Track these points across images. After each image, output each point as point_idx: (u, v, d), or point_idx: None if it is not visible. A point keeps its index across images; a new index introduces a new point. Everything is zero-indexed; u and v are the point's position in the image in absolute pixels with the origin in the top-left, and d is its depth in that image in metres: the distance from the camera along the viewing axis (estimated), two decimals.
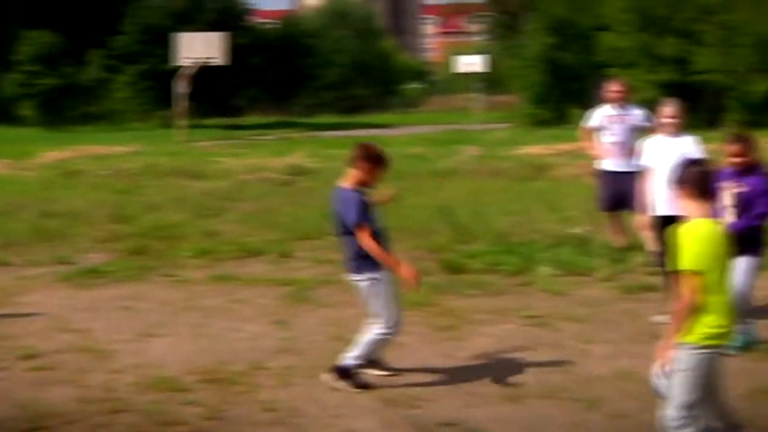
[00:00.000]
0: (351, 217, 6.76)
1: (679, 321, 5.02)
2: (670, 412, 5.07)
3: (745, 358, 7.47)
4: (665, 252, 8.07)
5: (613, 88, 11.69)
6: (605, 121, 11.65)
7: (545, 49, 41.17)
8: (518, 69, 44.11)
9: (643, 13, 37.14)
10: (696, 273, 4.93)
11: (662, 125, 8.95)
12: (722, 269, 5.07)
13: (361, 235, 6.72)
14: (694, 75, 35.00)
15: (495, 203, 15.82)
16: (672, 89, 33.57)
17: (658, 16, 36.98)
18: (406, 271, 6.75)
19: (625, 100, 11.66)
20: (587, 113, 12.39)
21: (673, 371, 5.05)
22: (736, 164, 7.54)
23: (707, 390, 5.10)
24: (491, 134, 34.38)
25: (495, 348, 8.01)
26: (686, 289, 4.95)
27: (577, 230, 12.86)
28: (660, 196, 8.52)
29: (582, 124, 12.27)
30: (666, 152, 8.49)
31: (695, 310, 4.99)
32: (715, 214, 5.16)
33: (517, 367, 7.46)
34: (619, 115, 11.55)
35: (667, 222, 8.00)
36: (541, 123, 38.60)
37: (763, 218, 7.58)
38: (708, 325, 4.99)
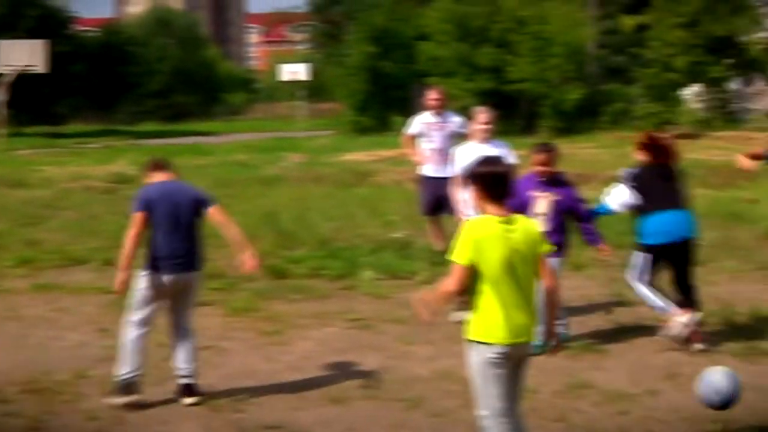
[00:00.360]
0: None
1: (436, 301, 5.07)
2: (480, 412, 5.03)
3: (561, 355, 7.70)
4: None
5: (432, 96, 11.85)
6: (425, 128, 11.80)
7: (367, 58, 41.48)
8: (341, 77, 44.29)
9: (461, 23, 37.90)
10: (461, 265, 4.85)
11: (475, 132, 9.16)
12: (512, 268, 4.92)
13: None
14: (509, 84, 35.93)
15: (319, 209, 15.82)
16: (489, 97, 34.49)
17: (475, 27, 37.81)
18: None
19: (443, 108, 11.85)
20: (408, 120, 12.54)
21: (472, 375, 5.02)
22: (541, 173, 7.78)
23: (497, 390, 4.98)
24: (315, 141, 34.45)
25: (319, 351, 8.01)
26: (450, 277, 4.91)
27: (399, 234, 12.99)
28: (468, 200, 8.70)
29: (403, 131, 12.40)
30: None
31: (451, 297, 5.03)
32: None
33: (341, 369, 7.49)
34: (438, 122, 11.72)
35: None
36: (363, 130, 38.87)
37: (590, 220, 7.89)
38: (489, 323, 4.90)
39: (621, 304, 9.37)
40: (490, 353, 4.91)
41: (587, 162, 21.93)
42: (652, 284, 8.21)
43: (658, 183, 8.14)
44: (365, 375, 7.31)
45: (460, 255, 4.88)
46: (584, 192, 17.34)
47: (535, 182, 7.76)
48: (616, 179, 8.53)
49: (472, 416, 5.62)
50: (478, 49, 36.99)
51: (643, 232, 8.13)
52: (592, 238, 8.13)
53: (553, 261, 7.09)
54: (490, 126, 9.09)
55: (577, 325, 8.58)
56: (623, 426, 6.21)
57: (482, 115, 9.15)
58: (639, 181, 8.17)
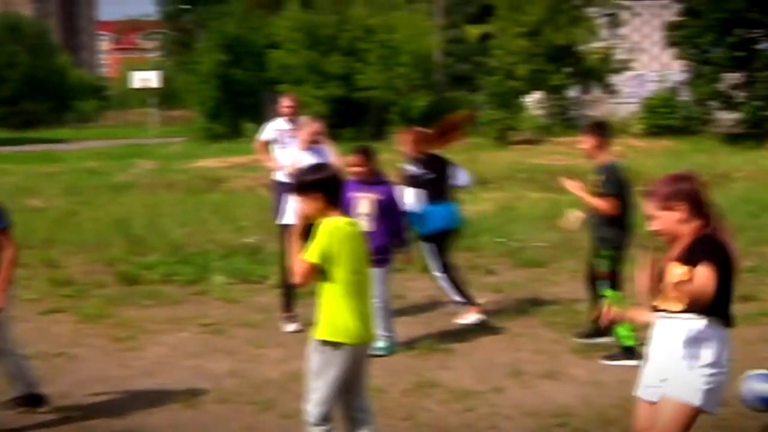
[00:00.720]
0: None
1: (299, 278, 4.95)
2: (310, 407, 4.96)
3: (409, 355, 7.74)
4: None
5: (285, 103, 11.78)
6: (278, 135, 11.72)
7: (218, 66, 41.00)
8: (192, 85, 43.64)
9: (310, 32, 37.85)
10: (311, 262, 4.82)
11: (305, 140, 9.18)
12: (357, 269, 4.94)
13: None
14: (359, 91, 36.08)
15: (170, 215, 15.54)
16: (338, 104, 34.61)
17: (324, 35, 37.83)
18: None
19: (296, 115, 11.79)
20: (261, 127, 12.43)
21: (311, 369, 4.97)
22: (357, 174, 7.82)
23: (345, 388, 4.99)
24: (167, 148, 33.87)
25: (171, 356, 7.84)
26: (298, 271, 4.89)
27: (250, 240, 12.87)
28: (290, 205, 8.67)
29: (256, 137, 12.28)
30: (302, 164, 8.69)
31: (302, 283, 4.97)
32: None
33: (194, 373, 7.35)
34: (291, 129, 11.66)
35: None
36: (215, 137, 38.41)
37: (400, 233, 7.91)
38: (343, 323, 4.89)
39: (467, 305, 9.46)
40: (338, 353, 4.89)
41: None
42: (451, 275, 8.71)
43: (431, 177, 8.74)
44: (217, 379, 7.19)
45: (312, 253, 4.83)
46: None
47: (354, 184, 7.77)
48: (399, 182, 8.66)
49: None
50: (327, 57, 37.02)
51: (422, 223, 8.56)
52: (398, 241, 8.01)
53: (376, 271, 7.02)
54: (316, 135, 9.12)
55: (424, 326, 8.68)
56: (469, 423, 6.26)
57: (308, 125, 9.23)
58: (415, 178, 8.69)
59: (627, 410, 6.26)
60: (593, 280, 7.98)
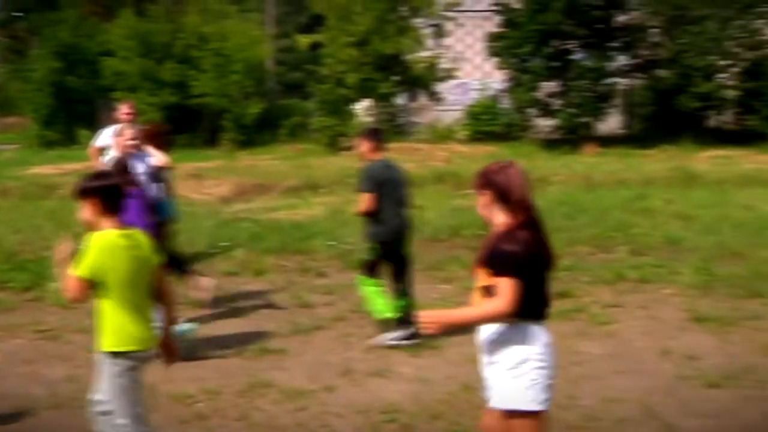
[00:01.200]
0: None
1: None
2: (119, 420, 4.85)
3: (242, 357, 7.68)
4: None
5: (123, 110, 11.55)
6: (113, 141, 11.44)
7: (52, 73, 39.55)
8: (26, 92, 41.96)
9: (144, 40, 37.01)
10: (82, 277, 4.71)
11: (119, 146, 9.01)
12: (133, 279, 4.86)
13: None
14: (193, 98, 35.51)
15: (4, 222, 14.91)
16: (173, 111, 33.97)
17: (158, 43, 37.05)
18: None
19: (134, 122, 11.54)
20: (96, 134, 12.11)
21: (104, 383, 4.89)
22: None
23: (133, 396, 4.93)
24: None
25: (7, 363, 7.53)
26: (70, 289, 4.77)
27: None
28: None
29: (91, 143, 11.94)
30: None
31: (74, 299, 4.85)
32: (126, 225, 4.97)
33: (29, 380, 7.07)
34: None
35: None
36: (49, 144, 37.03)
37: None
38: (127, 332, 4.83)
39: (299, 306, 9.49)
40: (127, 362, 4.82)
41: (267, 173, 22.10)
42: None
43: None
44: (53, 385, 6.94)
45: (82, 268, 4.71)
46: (266, 201, 17.70)
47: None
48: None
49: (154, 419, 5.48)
50: (161, 64, 36.29)
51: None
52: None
53: None
54: (134, 142, 8.94)
55: (256, 328, 8.64)
56: (302, 422, 6.26)
57: (127, 132, 9.06)
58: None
59: (452, 405, 6.45)
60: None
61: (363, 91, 32.86)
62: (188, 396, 6.67)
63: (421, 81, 33.97)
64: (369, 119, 33.34)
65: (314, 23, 39.36)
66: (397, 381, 7.07)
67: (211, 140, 33.83)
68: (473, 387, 6.70)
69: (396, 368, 7.35)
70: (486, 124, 31.98)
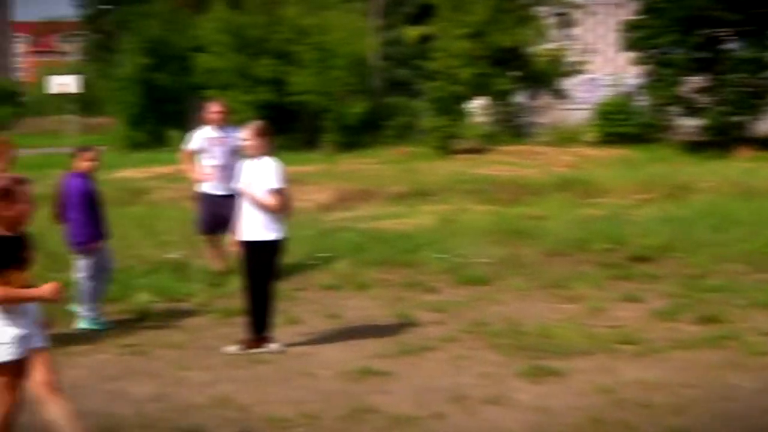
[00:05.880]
0: None
1: None
2: None
3: (343, 379, 7.70)
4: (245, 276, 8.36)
5: (213, 109, 11.72)
6: (206, 144, 11.65)
7: (140, 70, 40.59)
8: (113, 90, 43.14)
9: (238, 34, 37.65)
10: None
11: (244, 147, 9.09)
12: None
13: None
14: (290, 96, 35.93)
15: None
16: (269, 110, 34.39)
17: (253, 37, 37.63)
18: None
19: (225, 122, 11.73)
20: (187, 135, 12.34)
21: None
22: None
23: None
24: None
25: (90, 379, 7.71)
26: None
27: (175, 255, 12.74)
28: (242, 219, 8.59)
29: (183, 146, 12.17)
30: (249, 175, 8.61)
31: None
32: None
33: (115, 398, 7.23)
34: (219, 137, 11.61)
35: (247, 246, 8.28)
36: (137, 146, 37.97)
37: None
38: None
39: (405, 324, 9.48)
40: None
41: (371, 178, 22.19)
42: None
43: None
44: (139, 403, 7.09)
45: None
46: (369, 209, 17.77)
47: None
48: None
49: None
50: (256, 60, 36.83)
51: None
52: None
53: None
54: (255, 141, 8.89)
55: (359, 347, 8.63)
56: None
57: (247, 131, 9.06)
58: None
59: None
60: None
61: (477, 88, 32.73)
62: (285, 420, 6.72)
63: (544, 77, 33.64)
64: (484, 119, 33.17)
65: (424, 14, 39.35)
66: (514, 410, 6.99)
67: (310, 142, 34.16)
68: (604, 420, 6.61)
69: (513, 395, 7.26)
70: (618, 124, 31.30)
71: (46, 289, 5.40)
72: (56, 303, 5.59)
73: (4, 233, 5.39)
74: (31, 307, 5.52)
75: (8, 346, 5.37)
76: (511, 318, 9.61)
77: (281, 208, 8.39)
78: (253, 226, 8.40)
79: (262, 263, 8.39)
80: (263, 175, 8.38)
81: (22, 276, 5.43)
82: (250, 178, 8.48)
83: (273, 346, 8.48)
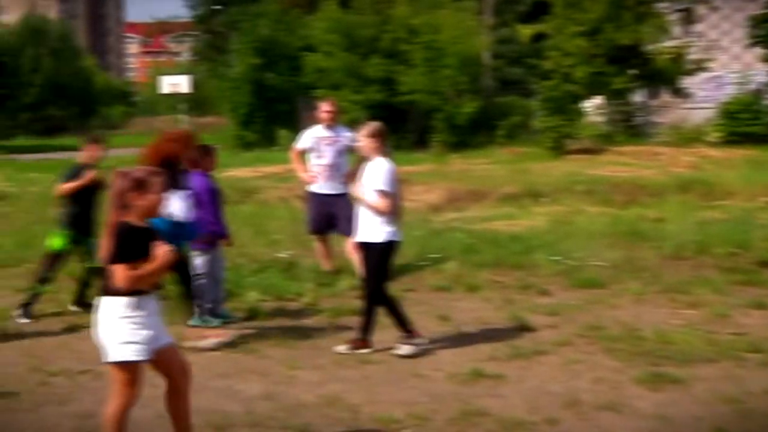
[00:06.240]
0: None
1: None
2: None
3: (455, 381, 7.65)
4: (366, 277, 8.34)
5: (324, 108, 11.79)
6: (316, 143, 11.73)
7: (251, 70, 41.21)
8: (224, 90, 43.91)
9: (349, 33, 37.94)
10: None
11: (357, 148, 9.08)
12: None
13: None
14: (400, 96, 36.05)
15: None
16: (379, 110, 34.54)
17: (363, 37, 37.88)
18: None
19: (336, 121, 11.79)
20: (298, 135, 12.45)
21: None
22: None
23: None
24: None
25: (200, 376, 7.78)
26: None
27: (284, 254, 12.86)
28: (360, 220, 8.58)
29: (293, 145, 12.27)
30: (364, 177, 8.59)
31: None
32: None
33: (224, 395, 7.32)
34: (329, 136, 11.67)
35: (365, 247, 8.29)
36: (247, 145, 38.58)
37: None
38: None
39: (518, 327, 9.38)
40: None
41: (482, 179, 22.11)
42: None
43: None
44: (249, 401, 7.16)
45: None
46: (480, 210, 17.69)
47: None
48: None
49: None
50: (367, 59, 37.07)
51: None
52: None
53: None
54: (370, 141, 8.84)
55: (471, 350, 8.57)
56: None
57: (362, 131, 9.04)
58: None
59: None
60: None
61: (593, 87, 32.34)
62: (394, 421, 6.71)
63: (665, 75, 33.00)
64: (600, 118, 32.73)
65: (537, 11, 39.07)
66: (632, 417, 6.84)
67: (420, 142, 34.21)
68: (728, 431, 6.42)
69: (630, 402, 7.11)
70: (744, 124, 30.46)
71: (161, 255, 5.49)
72: (171, 266, 5.77)
73: (137, 223, 5.52)
74: (157, 304, 5.63)
75: (140, 346, 5.49)
76: (628, 322, 9.43)
77: (386, 209, 8.33)
78: (366, 227, 8.40)
79: (373, 265, 8.37)
80: (373, 176, 8.37)
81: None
82: (363, 180, 8.48)
83: (405, 349, 8.40)
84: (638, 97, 34.17)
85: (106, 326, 5.50)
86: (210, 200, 9.37)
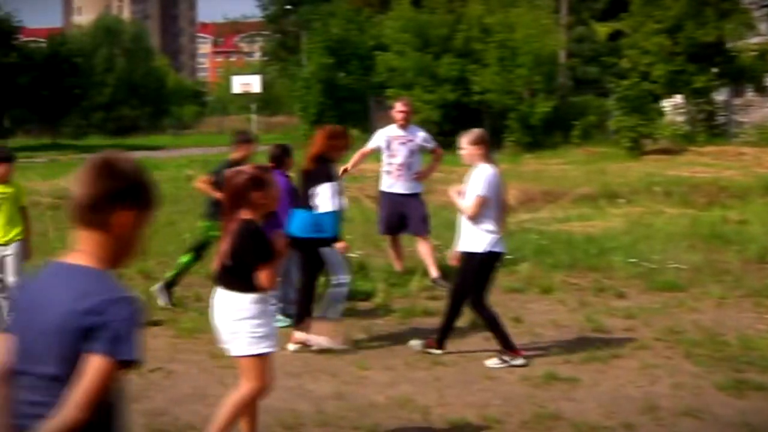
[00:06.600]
0: None
1: None
2: None
3: (528, 384, 7.59)
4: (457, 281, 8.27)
5: (398, 108, 11.78)
6: (388, 142, 11.72)
7: (322, 69, 41.45)
8: (295, 89, 44.23)
9: (421, 32, 37.96)
10: None
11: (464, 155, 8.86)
12: None
13: None
14: (473, 95, 35.98)
15: None
16: (451, 109, 34.52)
17: (436, 36, 37.88)
18: None
19: (409, 121, 11.78)
20: (371, 134, 12.48)
21: None
22: None
23: None
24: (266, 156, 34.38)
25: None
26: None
27: (356, 254, 12.86)
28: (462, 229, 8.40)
29: (367, 145, 12.25)
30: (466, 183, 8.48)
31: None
32: None
33: (295, 394, 7.33)
34: (403, 136, 11.66)
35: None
36: None
37: None
38: None
39: (593, 330, 9.28)
40: None
41: (557, 179, 21.96)
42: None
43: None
44: (320, 401, 7.17)
45: None
46: (555, 211, 17.58)
47: None
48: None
49: None
50: (439, 59, 37.06)
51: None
52: None
53: None
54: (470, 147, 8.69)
55: (545, 352, 8.49)
56: None
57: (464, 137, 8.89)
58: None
59: None
60: None
61: (673, 86, 31.95)
62: (466, 423, 6.67)
63: (749, 72, 32.49)
64: (679, 118, 32.31)
65: (614, 9, 38.78)
66: (713, 424, 6.72)
67: (493, 142, 34.10)
68: None
69: (712, 409, 6.98)
70: None
71: (279, 244, 5.68)
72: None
73: (258, 221, 5.67)
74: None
75: (271, 339, 5.66)
76: (709, 327, 9.27)
77: (477, 215, 8.15)
78: (467, 236, 8.22)
79: (472, 275, 8.18)
80: (474, 182, 8.24)
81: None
82: (465, 186, 8.36)
83: (494, 362, 8.23)
84: (721, 95, 33.64)
85: (237, 322, 5.58)
86: (288, 200, 9.38)
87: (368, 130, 12.98)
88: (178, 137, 67.03)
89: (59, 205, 19.57)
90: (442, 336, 8.45)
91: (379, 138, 11.90)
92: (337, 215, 8.75)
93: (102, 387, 2.77)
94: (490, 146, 8.55)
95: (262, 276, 5.48)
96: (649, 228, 15.31)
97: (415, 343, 8.50)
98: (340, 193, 8.87)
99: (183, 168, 28.83)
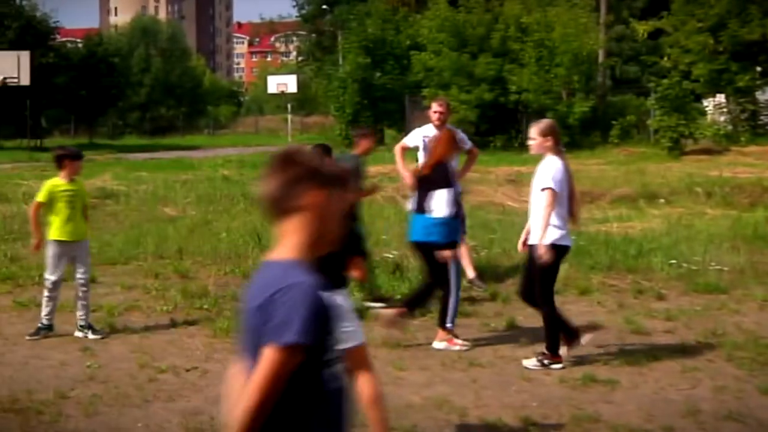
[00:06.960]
0: None
1: None
2: None
3: (567, 386, 7.54)
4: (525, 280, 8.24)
5: (435, 108, 11.74)
6: (424, 142, 11.68)
7: (358, 69, 41.49)
8: (331, 89, 44.31)
9: (458, 32, 37.91)
10: None
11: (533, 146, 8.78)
12: None
13: None
14: (511, 95, 35.88)
15: None
16: (488, 109, 34.44)
17: (473, 35, 37.81)
18: None
19: (445, 121, 11.73)
20: (406, 134, 12.46)
21: None
22: None
23: None
24: None
25: None
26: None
27: (392, 254, 12.86)
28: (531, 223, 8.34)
29: (402, 143, 12.22)
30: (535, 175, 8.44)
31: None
32: None
33: None
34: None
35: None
36: (351, 144, 38.89)
37: None
38: None
39: (632, 332, 9.21)
40: None
41: (595, 179, 21.84)
42: None
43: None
44: (357, 401, 7.14)
45: None
46: (593, 212, 17.49)
47: None
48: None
49: None
50: (476, 58, 36.98)
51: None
52: None
53: None
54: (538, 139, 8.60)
55: (584, 354, 8.43)
56: None
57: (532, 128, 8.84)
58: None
59: None
60: None
61: (715, 85, 31.69)
62: (503, 424, 6.64)
63: None
64: (721, 118, 32.02)
65: (655, 7, 38.53)
66: (757, 429, 6.65)
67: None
68: None
69: (755, 413, 6.90)
70: None
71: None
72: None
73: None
74: None
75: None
76: (752, 330, 9.19)
77: (550, 207, 8.07)
78: (536, 229, 8.14)
79: (540, 268, 8.09)
80: (543, 174, 8.19)
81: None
82: (534, 179, 8.32)
83: (532, 362, 8.13)
84: (765, 95, 33.33)
85: (353, 312, 5.59)
86: None
87: (404, 130, 12.99)
88: (214, 137, 67.42)
89: (97, 205, 19.78)
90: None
91: (414, 137, 11.87)
92: (452, 221, 8.61)
93: (272, 376, 2.77)
94: (560, 138, 8.51)
95: (359, 267, 5.90)
96: (690, 229, 15.20)
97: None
98: (456, 199, 8.80)
99: (219, 168, 28.97)
